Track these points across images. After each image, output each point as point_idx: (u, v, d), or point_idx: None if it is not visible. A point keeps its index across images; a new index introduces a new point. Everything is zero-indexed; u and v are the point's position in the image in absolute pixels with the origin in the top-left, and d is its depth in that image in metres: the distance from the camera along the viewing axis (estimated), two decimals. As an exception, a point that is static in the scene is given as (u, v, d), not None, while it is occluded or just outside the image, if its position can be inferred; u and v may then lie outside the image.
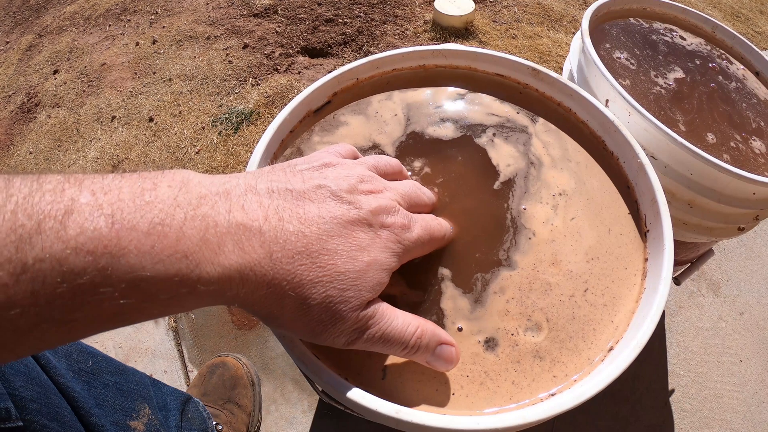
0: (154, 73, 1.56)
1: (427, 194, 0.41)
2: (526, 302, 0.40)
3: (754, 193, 0.56)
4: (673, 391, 0.90)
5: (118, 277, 0.22)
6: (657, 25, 0.75)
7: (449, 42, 1.50)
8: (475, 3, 1.66)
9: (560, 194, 0.46)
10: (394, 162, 0.40)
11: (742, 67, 0.75)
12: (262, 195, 0.29)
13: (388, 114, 0.52)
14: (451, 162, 0.48)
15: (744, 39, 0.76)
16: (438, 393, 0.36)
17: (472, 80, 0.56)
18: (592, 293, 0.41)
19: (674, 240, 0.65)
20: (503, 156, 0.49)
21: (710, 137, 0.59)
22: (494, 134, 0.51)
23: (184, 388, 0.88)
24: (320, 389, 0.37)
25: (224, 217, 0.26)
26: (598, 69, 0.56)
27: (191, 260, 0.24)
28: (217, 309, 0.98)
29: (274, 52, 1.50)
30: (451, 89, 0.55)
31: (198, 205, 0.26)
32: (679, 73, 0.67)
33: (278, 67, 1.44)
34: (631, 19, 0.74)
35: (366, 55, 1.47)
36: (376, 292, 0.31)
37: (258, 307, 0.28)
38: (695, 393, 0.91)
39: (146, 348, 0.95)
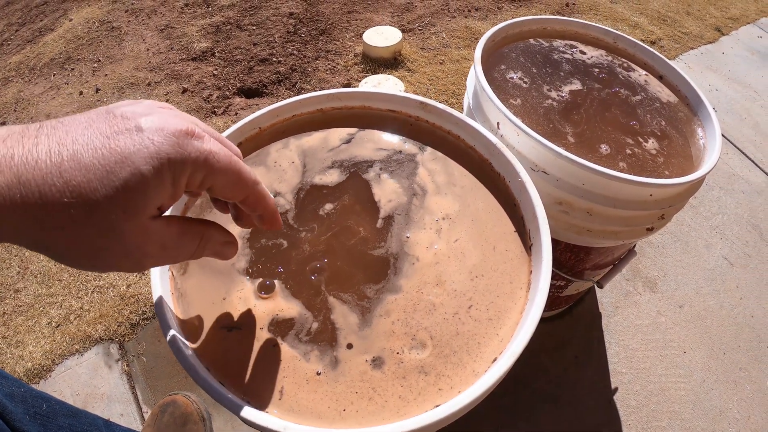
0: None
1: (228, 142, 0.36)
2: (410, 323, 0.42)
3: (651, 195, 0.59)
4: (616, 389, 0.92)
5: None
6: (557, 42, 0.79)
7: (379, 73, 1.54)
8: (403, 32, 1.70)
9: (444, 218, 0.49)
10: None
11: (645, 72, 0.79)
12: (29, 129, 0.28)
13: (285, 162, 0.55)
14: (340, 203, 0.51)
15: (645, 46, 0.80)
16: (330, 410, 0.39)
17: (366, 119, 0.59)
18: (477, 309, 0.43)
19: (587, 246, 0.68)
20: (386, 192, 0.51)
21: (603, 148, 0.62)
22: (381, 168, 0.54)
23: (140, 429, 0.88)
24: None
25: None
26: (486, 93, 0.59)
27: None
28: (166, 351, 0.98)
29: (212, 95, 1.53)
30: (343, 130, 0.58)
31: None
32: (576, 86, 0.70)
33: (216, 110, 1.47)
34: (531, 40, 0.78)
35: (299, 93, 1.51)
36: (140, 209, 0.28)
37: (23, 237, 0.27)
38: (640, 389, 0.93)
39: (102, 393, 0.95)
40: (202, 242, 0.34)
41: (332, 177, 0.53)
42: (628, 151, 0.63)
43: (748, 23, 2.00)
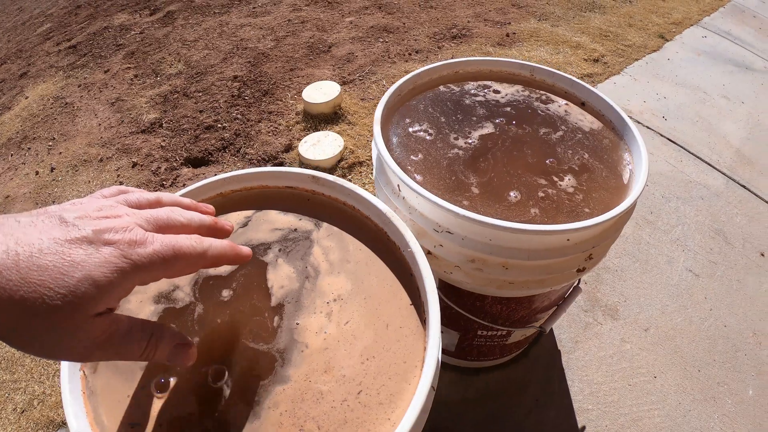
0: (53, 201, 1.58)
1: (185, 216, 0.39)
2: (298, 413, 0.41)
3: (568, 240, 0.56)
4: (584, 428, 0.89)
5: None
6: (469, 85, 0.77)
7: (320, 129, 1.55)
8: (344, 84, 1.72)
9: (335, 300, 0.47)
10: (152, 196, 0.40)
11: (565, 102, 0.77)
12: None
13: None
14: (234, 294, 0.49)
15: (563, 74, 0.78)
16: None
17: (266, 198, 0.58)
18: (366, 394, 0.41)
19: (516, 297, 0.65)
20: (279, 277, 0.50)
21: (512, 195, 0.60)
22: (279, 250, 0.52)
23: None
24: None
25: None
26: (383, 157, 0.58)
27: None
28: None
29: (160, 167, 1.53)
30: (241, 213, 0.56)
31: None
32: (486, 130, 0.69)
33: (164, 183, 1.47)
34: (441, 87, 0.76)
35: (243, 157, 1.51)
36: (89, 308, 0.31)
37: None
38: (609, 423, 0.90)
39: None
40: (153, 341, 0.35)
41: (226, 266, 0.51)
42: (541, 194, 0.61)
43: (692, 25, 2.03)
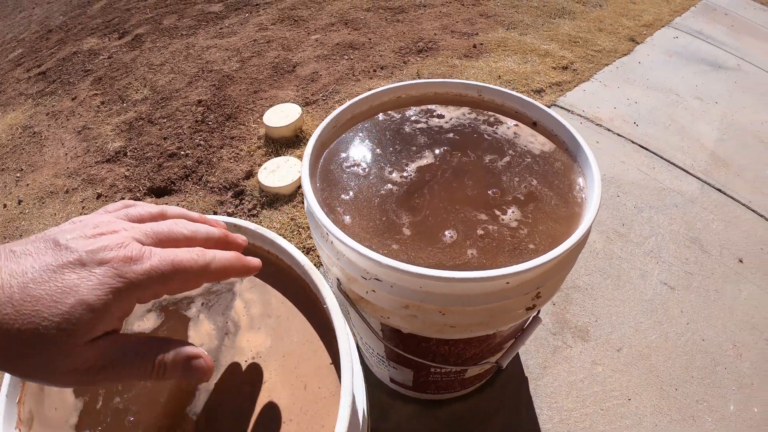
0: (21, 235, 1.56)
1: (189, 228, 0.38)
2: None
3: (507, 283, 0.51)
4: (554, 459, 0.85)
5: None
6: (411, 111, 0.74)
7: (282, 153, 1.52)
8: (307, 104, 1.69)
9: (253, 358, 0.45)
10: (155, 209, 0.39)
11: (514, 123, 0.72)
12: None
13: None
14: None
15: (513, 92, 0.74)
16: None
17: None
18: None
19: (461, 338, 0.62)
20: (200, 335, 0.47)
21: (448, 235, 0.56)
22: (202, 304, 0.50)
23: None
24: None
25: None
26: (308, 201, 0.55)
27: None
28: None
29: (123, 198, 1.52)
30: None
31: None
32: (425, 160, 0.65)
33: None
34: (381, 115, 0.73)
35: (205, 186, 1.48)
36: (85, 333, 0.31)
37: None
38: (582, 452, 0.86)
39: None
40: (161, 359, 0.34)
41: (149, 323, 0.48)
42: (480, 232, 0.57)
43: (663, 26, 2.01)
